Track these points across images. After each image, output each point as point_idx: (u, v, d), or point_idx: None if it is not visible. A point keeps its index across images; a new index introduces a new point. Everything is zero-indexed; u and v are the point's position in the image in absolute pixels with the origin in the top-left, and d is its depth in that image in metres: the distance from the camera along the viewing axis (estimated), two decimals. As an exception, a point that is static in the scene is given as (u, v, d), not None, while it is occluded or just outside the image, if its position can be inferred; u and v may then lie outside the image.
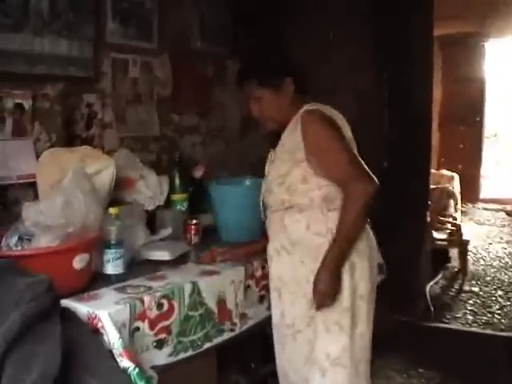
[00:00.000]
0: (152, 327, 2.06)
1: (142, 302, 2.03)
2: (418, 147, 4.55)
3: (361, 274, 2.28)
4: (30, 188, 2.70)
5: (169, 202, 2.97)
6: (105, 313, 1.90)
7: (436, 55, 6.34)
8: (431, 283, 5.43)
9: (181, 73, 3.66)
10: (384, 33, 4.27)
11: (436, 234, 5.83)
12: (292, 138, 2.26)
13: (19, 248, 2.04)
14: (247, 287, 2.51)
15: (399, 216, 4.37)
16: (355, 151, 2.28)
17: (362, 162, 2.21)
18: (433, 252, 5.31)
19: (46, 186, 2.52)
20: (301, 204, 2.26)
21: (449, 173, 7.39)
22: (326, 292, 2.19)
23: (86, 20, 2.95)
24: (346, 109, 4.20)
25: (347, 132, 2.33)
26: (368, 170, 2.18)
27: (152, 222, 2.82)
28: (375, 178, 2.16)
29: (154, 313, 2.07)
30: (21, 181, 2.67)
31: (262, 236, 2.57)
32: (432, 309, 4.82)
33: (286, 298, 2.37)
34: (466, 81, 9.55)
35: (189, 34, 3.75)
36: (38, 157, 2.72)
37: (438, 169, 8.37)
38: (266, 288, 2.58)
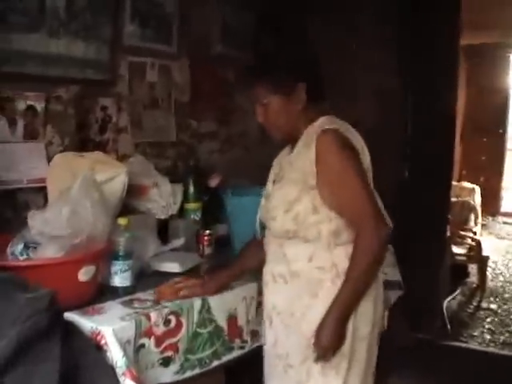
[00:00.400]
0: (158, 344, 1.99)
1: (149, 318, 1.95)
2: (441, 158, 4.45)
3: (363, 316, 2.04)
4: (40, 192, 2.63)
5: (182, 211, 2.89)
6: (109, 329, 1.83)
7: (460, 65, 6.23)
8: (449, 299, 5.33)
9: (200, 77, 3.58)
10: (409, 39, 4.19)
11: (455, 249, 5.72)
12: (304, 158, 1.99)
13: (24, 256, 1.98)
14: (259, 304, 2.41)
15: (419, 229, 4.27)
16: (371, 183, 2.06)
17: (377, 199, 2.00)
18: (451, 267, 5.20)
19: (56, 191, 2.45)
20: (307, 236, 1.99)
21: (470, 185, 7.28)
22: (328, 347, 1.95)
23: (104, 21, 2.87)
24: (368, 114, 4.20)
25: (366, 159, 2.08)
26: (382, 212, 1.98)
27: (164, 231, 2.75)
28: (389, 221, 1.98)
29: (160, 329, 1.99)
30: (31, 185, 2.60)
31: (238, 258, 2.38)
32: (449, 326, 4.71)
33: (279, 329, 2.11)
34: (489, 92, 9.41)
35: (210, 37, 3.67)
36: (49, 161, 2.64)
37: (458, 180, 8.25)
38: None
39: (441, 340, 4.43)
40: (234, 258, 2.40)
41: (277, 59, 2.08)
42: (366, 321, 2.05)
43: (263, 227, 2.19)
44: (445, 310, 4.89)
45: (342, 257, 1.98)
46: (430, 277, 4.51)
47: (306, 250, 2.01)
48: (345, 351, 2.00)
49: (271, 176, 2.24)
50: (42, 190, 2.61)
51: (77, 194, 1.91)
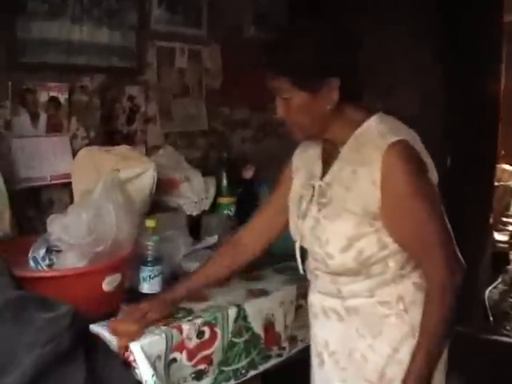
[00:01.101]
0: (190, 358, 1.86)
1: (181, 330, 1.81)
2: (484, 144, 4.25)
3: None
4: (66, 188, 2.51)
5: (215, 206, 2.75)
6: (137, 346, 1.69)
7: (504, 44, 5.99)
8: (490, 288, 5.13)
9: (232, 62, 3.38)
10: (448, 24, 3.98)
11: (497, 236, 5.51)
12: (364, 180, 1.59)
13: (47, 262, 1.86)
14: (299, 307, 2.25)
15: (461, 217, 4.09)
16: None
17: (451, 235, 1.64)
18: (493, 254, 4.99)
19: (82, 188, 2.32)
20: (371, 272, 1.66)
21: (511, 168, 7.02)
22: None
23: (130, 6, 2.71)
24: (407, 107, 4.02)
25: (433, 174, 1.68)
26: (457, 250, 1.64)
27: (197, 228, 2.61)
28: (462, 260, 1.64)
29: (193, 342, 1.86)
30: (55, 181, 2.47)
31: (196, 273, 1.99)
32: (491, 318, 4.52)
33: (332, 371, 1.79)
34: (530, 69, 9.07)
35: (241, 21, 3.47)
36: (74, 154, 2.52)
37: (498, 162, 7.99)
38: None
39: (483, 333, 4.23)
40: (191, 273, 2.04)
41: (304, 46, 1.59)
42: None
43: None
44: (487, 301, 4.69)
45: (409, 288, 1.68)
46: (473, 266, 4.32)
47: (367, 285, 1.68)
48: None
49: (300, 188, 1.81)
50: (68, 187, 2.50)
51: (99, 198, 1.76)
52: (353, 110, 1.67)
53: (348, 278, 1.69)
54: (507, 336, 4.37)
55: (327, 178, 1.70)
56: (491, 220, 4.69)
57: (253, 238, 1.96)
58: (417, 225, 1.60)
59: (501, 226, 5.73)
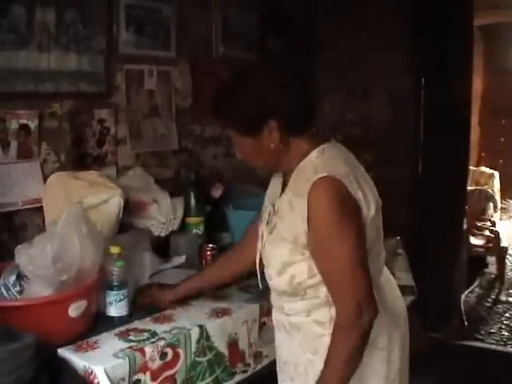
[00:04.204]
0: (154, 378, 1.90)
1: (143, 353, 1.87)
2: (456, 148, 4.32)
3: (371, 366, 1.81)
4: (38, 212, 2.56)
5: (184, 226, 2.81)
6: (101, 369, 1.75)
7: (477, 45, 6.08)
8: (466, 292, 5.23)
9: (202, 81, 3.46)
10: (421, 26, 4.05)
11: (473, 240, 5.61)
12: (295, 213, 1.70)
13: (17, 288, 1.92)
14: (263, 324, 2.33)
15: (435, 222, 4.18)
16: (373, 232, 1.73)
17: (368, 275, 1.66)
18: (469, 258, 5.08)
19: (52, 214, 2.39)
20: (304, 296, 1.78)
21: (488, 170, 7.14)
22: None
23: (97, 31, 2.77)
24: (380, 113, 4.09)
25: (370, 205, 1.71)
26: (371, 292, 1.67)
27: (165, 247, 2.68)
28: (375, 303, 1.67)
29: (156, 363, 1.90)
30: (26, 206, 2.53)
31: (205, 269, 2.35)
32: (466, 323, 4.61)
33: (284, 380, 1.97)
34: (508, 72, 9.18)
35: (211, 39, 3.55)
36: (46, 178, 2.58)
37: (477, 164, 8.10)
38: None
39: (458, 339, 4.32)
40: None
41: (238, 99, 1.72)
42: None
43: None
44: (462, 306, 4.79)
45: None
46: (447, 272, 4.42)
47: (303, 305, 1.80)
48: None
49: (265, 214, 1.93)
50: (40, 209, 2.55)
51: (63, 230, 1.83)
52: (301, 142, 1.76)
53: (288, 297, 1.83)
54: (481, 341, 4.46)
55: (276, 205, 1.84)
56: (465, 225, 4.77)
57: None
58: (330, 262, 1.67)
59: (476, 231, 5.81)
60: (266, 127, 1.70)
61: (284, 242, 1.75)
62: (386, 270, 1.97)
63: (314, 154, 1.73)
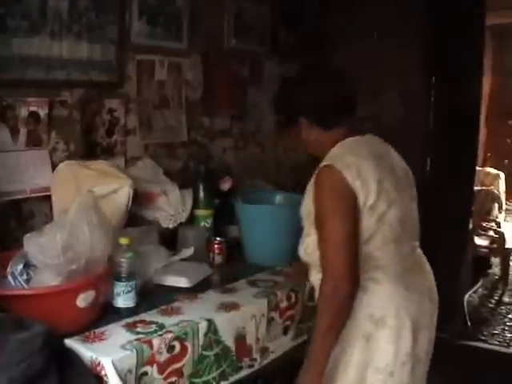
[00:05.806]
0: (161, 371, 1.89)
1: (151, 345, 1.86)
2: (465, 148, 4.30)
3: (377, 345, 1.98)
4: (46, 201, 2.54)
5: (192, 218, 2.79)
6: (108, 360, 1.74)
7: (486, 46, 6.03)
8: (470, 292, 5.21)
9: (213, 73, 3.44)
10: (433, 26, 4.03)
11: (477, 240, 5.58)
12: (309, 194, 2.03)
13: (24, 277, 1.91)
14: (270, 320, 2.32)
15: (440, 223, 4.15)
16: (383, 213, 1.94)
17: (349, 252, 1.86)
18: (473, 259, 5.07)
19: (61, 203, 2.38)
20: (318, 268, 2.00)
21: (494, 171, 7.09)
22: None
23: (110, 20, 2.74)
24: (390, 111, 4.07)
25: (369, 195, 1.91)
26: (348, 268, 1.85)
27: (173, 240, 2.66)
28: (352, 276, 1.86)
29: (163, 356, 1.90)
30: (34, 194, 2.51)
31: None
32: (469, 323, 4.59)
33: None
34: (516, 73, 9.13)
35: (223, 32, 3.52)
36: (54, 167, 2.56)
37: (483, 165, 8.05)
38: (292, 318, 2.43)
39: (461, 339, 4.31)
40: None
41: (278, 99, 2.25)
42: (381, 349, 1.99)
43: None
44: (465, 306, 4.77)
45: None
46: (452, 273, 4.39)
47: (319, 277, 1.97)
48: (352, 379, 2.00)
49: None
50: (48, 198, 2.53)
51: (73, 219, 1.81)
52: (335, 134, 2.08)
53: (311, 270, 2.11)
54: (484, 342, 4.44)
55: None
56: (471, 225, 4.75)
57: None
58: (320, 239, 1.94)
59: (482, 232, 5.78)
60: (301, 122, 2.13)
61: (305, 218, 2.07)
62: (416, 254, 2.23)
63: (338, 145, 2.03)
